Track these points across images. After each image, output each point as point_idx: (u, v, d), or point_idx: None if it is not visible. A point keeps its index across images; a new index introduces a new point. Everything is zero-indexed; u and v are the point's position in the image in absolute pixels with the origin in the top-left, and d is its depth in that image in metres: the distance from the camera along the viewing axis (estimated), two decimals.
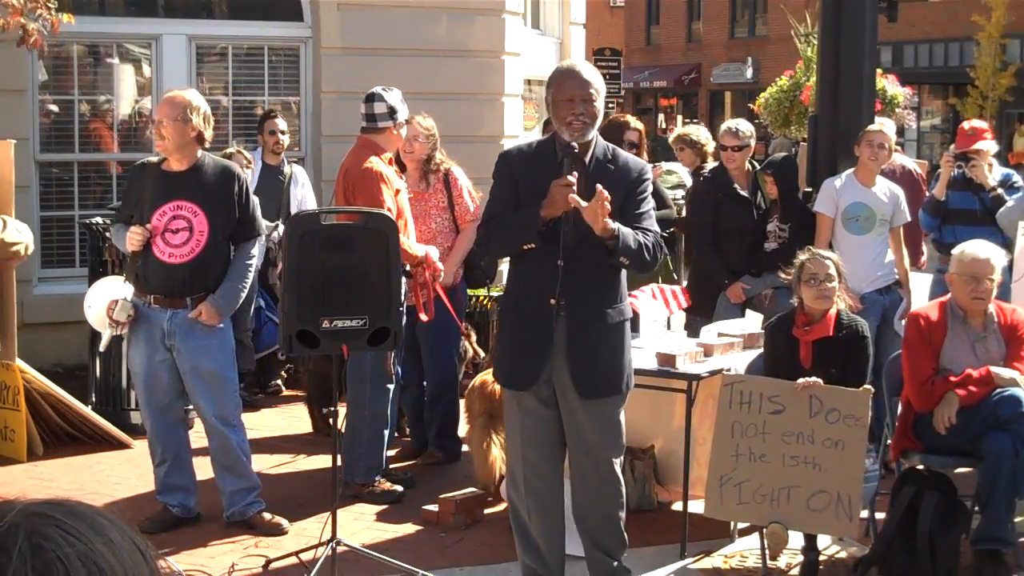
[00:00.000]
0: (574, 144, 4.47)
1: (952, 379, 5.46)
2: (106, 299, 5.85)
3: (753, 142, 7.56)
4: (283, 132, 8.56)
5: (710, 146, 8.50)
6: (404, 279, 6.20)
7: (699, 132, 8.82)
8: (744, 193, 7.35)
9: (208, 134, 5.74)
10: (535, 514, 4.74)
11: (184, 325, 5.65)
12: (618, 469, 4.75)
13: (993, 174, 7.57)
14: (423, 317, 6.23)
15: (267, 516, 5.86)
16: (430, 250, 6.37)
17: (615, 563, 4.80)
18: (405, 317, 5.74)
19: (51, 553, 1.11)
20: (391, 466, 6.67)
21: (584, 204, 4.33)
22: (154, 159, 5.93)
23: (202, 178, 5.70)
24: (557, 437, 4.70)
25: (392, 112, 6.23)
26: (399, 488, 6.29)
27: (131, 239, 5.61)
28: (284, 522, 5.85)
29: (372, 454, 6.26)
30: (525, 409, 4.65)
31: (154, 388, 5.73)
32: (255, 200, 5.89)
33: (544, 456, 4.70)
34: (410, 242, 6.19)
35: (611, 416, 4.67)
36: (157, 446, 5.81)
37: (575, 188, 4.37)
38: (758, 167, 7.57)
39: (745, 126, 7.56)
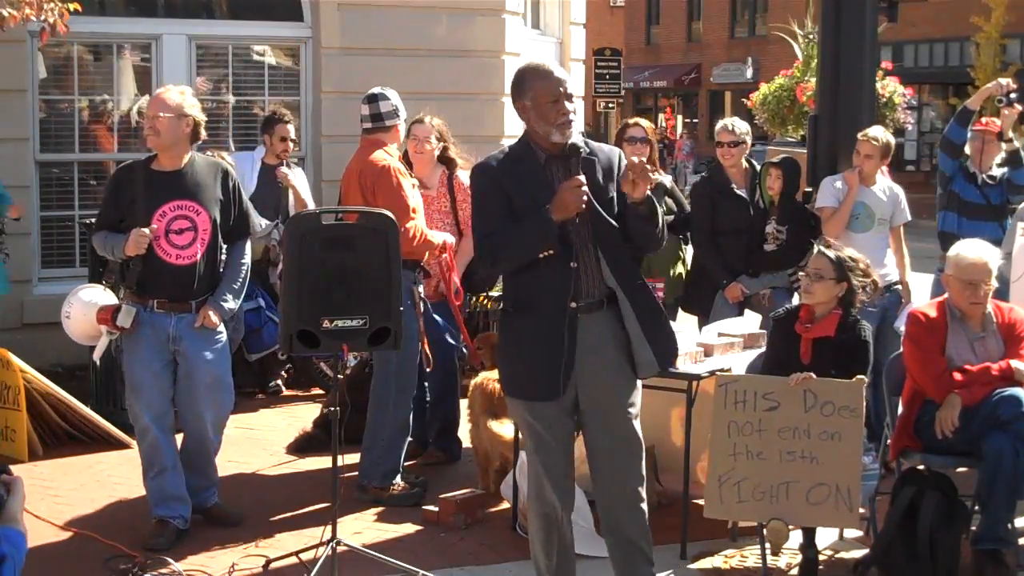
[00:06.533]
0: (579, 144, 4.41)
1: (968, 367, 5.45)
2: (91, 307, 5.71)
3: (749, 139, 7.53)
4: (293, 140, 8.53)
5: None
6: (423, 275, 6.25)
7: None
8: (741, 192, 7.36)
9: (203, 132, 5.68)
10: (557, 507, 4.55)
11: (190, 329, 5.61)
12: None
13: (994, 171, 7.61)
14: (455, 300, 6.49)
15: (223, 507, 5.89)
16: (445, 237, 6.48)
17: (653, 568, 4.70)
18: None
19: None
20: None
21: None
22: (141, 159, 5.80)
23: (196, 176, 5.63)
24: (572, 445, 4.60)
25: (397, 110, 6.29)
26: (417, 490, 6.26)
27: (136, 242, 5.46)
28: (237, 512, 5.91)
29: (390, 458, 6.25)
30: (547, 419, 4.46)
31: (155, 396, 5.63)
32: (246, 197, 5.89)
33: (567, 463, 4.56)
34: (431, 233, 6.28)
35: (636, 401, 4.54)
36: (158, 455, 5.64)
37: (585, 186, 4.32)
38: (758, 166, 7.58)
39: (740, 123, 7.56)
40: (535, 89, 4.42)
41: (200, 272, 5.59)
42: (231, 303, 5.72)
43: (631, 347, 4.47)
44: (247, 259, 5.85)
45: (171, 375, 5.67)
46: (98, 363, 6.61)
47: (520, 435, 4.75)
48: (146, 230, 5.48)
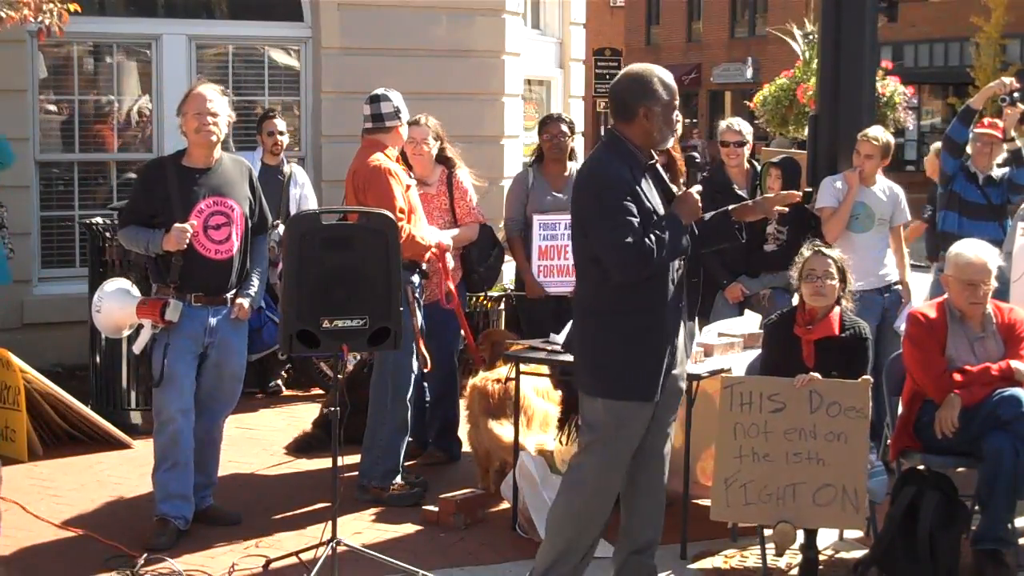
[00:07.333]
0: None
1: (968, 368, 5.46)
2: (125, 300, 5.76)
3: (751, 139, 7.56)
4: (281, 133, 8.53)
5: None
6: (421, 278, 6.23)
7: None
8: (742, 192, 7.36)
9: None
10: (600, 523, 4.67)
11: (225, 321, 5.69)
12: None
13: (995, 171, 7.62)
14: (447, 304, 6.46)
15: (219, 508, 5.90)
16: (440, 236, 6.50)
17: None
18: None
19: None
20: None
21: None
22: (167, 155, 5.89)
23: (226, 173, 5.74)
24: None
25: (398, 111, 6.29)
26: (417, 490, 6.27)
27: (179, 237, 5.50)
28: (234, 513, 5.92)
29: (389, 457, 6.25)
30: (645, 418, 4.58)
31: (187, 388, 5.65)
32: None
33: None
34: (423, 234, 6.26)
35: None
36: (175, 449, 5.61)
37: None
38: (759, 166, 7.58)
39: (744, 124, 7.59)
40: (668, 96, 4.51)
41: (236, 266, 5.70)
42: (257, 297, 5.85)
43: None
44: (267, 253, 5.98)
45: (196, 370, 5.71)
46: (138, 354, 6.48)
47: (598, 450, 4.58)
48: (187, 226, 5.53)
